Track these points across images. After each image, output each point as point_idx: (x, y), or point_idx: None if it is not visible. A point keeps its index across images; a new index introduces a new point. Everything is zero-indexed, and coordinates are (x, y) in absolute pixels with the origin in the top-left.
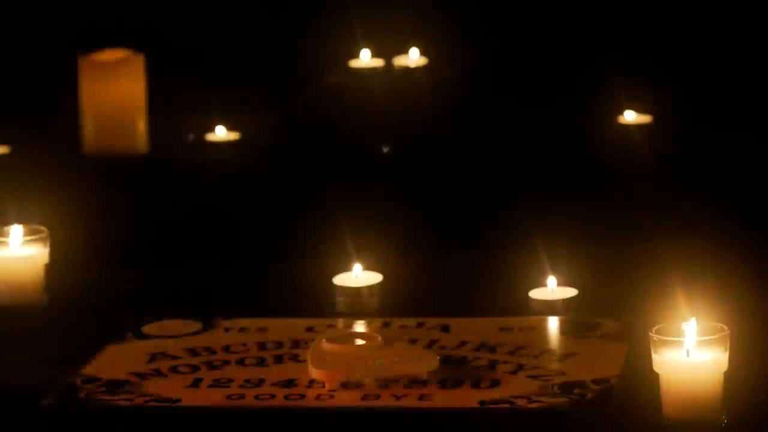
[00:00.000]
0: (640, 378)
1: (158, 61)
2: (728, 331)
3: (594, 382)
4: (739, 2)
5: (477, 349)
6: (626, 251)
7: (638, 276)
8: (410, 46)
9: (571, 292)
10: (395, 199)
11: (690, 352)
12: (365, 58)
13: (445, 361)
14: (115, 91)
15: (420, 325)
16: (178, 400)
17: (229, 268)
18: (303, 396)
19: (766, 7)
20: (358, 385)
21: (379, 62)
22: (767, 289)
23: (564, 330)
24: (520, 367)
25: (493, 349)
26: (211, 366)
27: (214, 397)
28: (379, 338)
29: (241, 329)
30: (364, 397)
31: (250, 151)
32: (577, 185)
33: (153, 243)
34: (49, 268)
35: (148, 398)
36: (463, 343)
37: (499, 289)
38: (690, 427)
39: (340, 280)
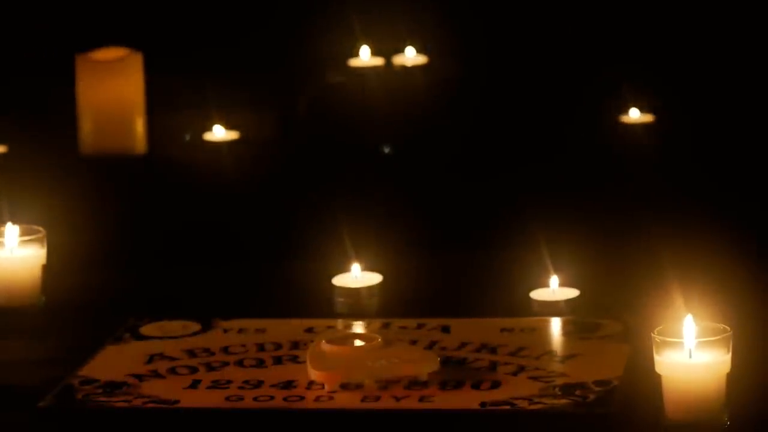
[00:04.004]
0: (642, 379)
1: (157, 60)
2: (730, 332)
3: (596, 383)
4: (742, 1)
5: (478, 350)
6: (628, 251)
7: (640, 276)
8: (409, 45)
9: (572, 292)
10: (395, 199)
11: (692, 353)
12: (364, 57)
13: (446, 362)
14: (113, 90)
15: (420, 326)
16: (177, 402)
17: (228, 268)
18: (302, 397)
19: None
20: (358, 387)
21: (379, 61)
22: None
23: (565, 331)
24: (521, 369)
25: (493, 350)
26: (209, 367)
27: (213, 399)
28: (379, 339)
29: (240, 330)
30: (364, 399)
31: (250, 151)
32: (579, 185)
33: (151, 244)
34: (47, 268)
35: (146, 399)
36: (464, 344)
37: (499, 290)
38: (692, 428)
39: (340, 280)
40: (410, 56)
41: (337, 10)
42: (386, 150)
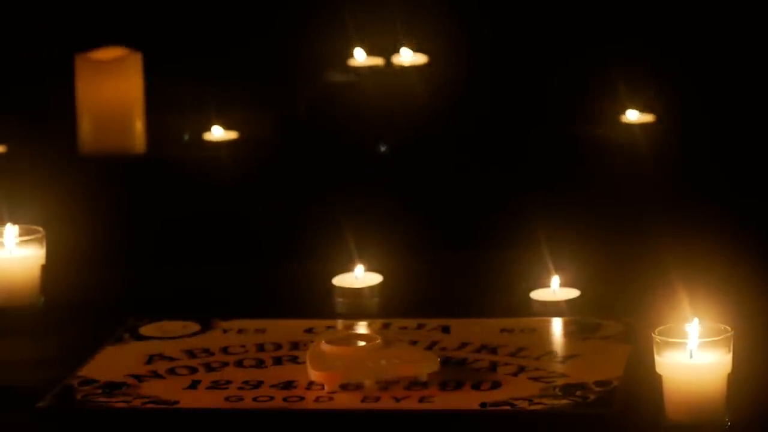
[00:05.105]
0: (643, 380)
1: (156, 59)
2: (731, 333)
3: (596, 384)
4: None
5: (478, 351)
6: (628, 252)
7: (641, 277)
8: (407, 45)
9: (572, 293)
10: (395, 199)
11: (693, 353)
12: (360, 58)
13: (446, 362)
14: (112, 90)
15: (420, 326)
16: (176, 402)
17: (227, 269)
18: (302, 398)
19: None
20: (358, 387)
21: (378, 60)
22: None
23: (566, 331)
24: (522, 369)
25: (494, 351)
26: (209, 367)
27: (213, 399)
28: (379, 339)
29: (240, 331)
30: (364, 399)
31: (249, 151)
32: (579, 185)
33: (151, 244)
34: (46, 268)
35: (145, 400)
36: (464, 345)
37: (500, 290)
38: (692, 429)
39: (340, 280)
40: (408, 57)
41: (338, 9)
42: (382, 148)
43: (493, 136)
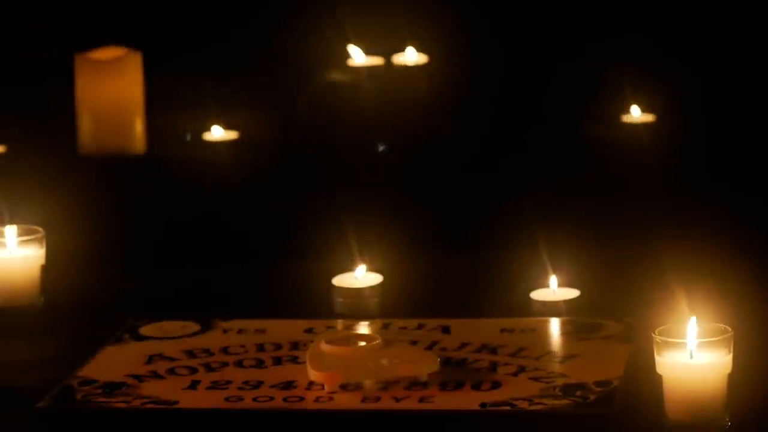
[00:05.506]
0: (643, 380)
1: (156, 59)
2: (732, 333)
3: (596, 384)
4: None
5: (478, 351)
6: (629, 252)
7: (641, 277)
8: (408, 45)
9: (572, 293)
10: (395, 200)
11: (693, 353)
12: (359, 58)
13: (446, 362)
14: (112, 89)
15: (420, 326)
16: (176, 402)
17: (227, 269)
18: (302, 398)
19: None
20: (358, 387)
21: (378, 60)
22: None
23: (566, 331)
24: (522, 369)
25: (494, 351)
26: (209, 368)
27: (212, 399)
28: (379, 339)
29: (240, 331)
30: (364, 399)
31: (249, 151)
32: (579, 185)
33: (150, 244)
34: (46, 269)
35: (145, 400)
36: (464, 345)
37: (500, 290)
38: (693, 429)
39: (340, 280)
40: (411, 57)
41: (338, 8)
42: (380, 148)
43: (492, 135)
